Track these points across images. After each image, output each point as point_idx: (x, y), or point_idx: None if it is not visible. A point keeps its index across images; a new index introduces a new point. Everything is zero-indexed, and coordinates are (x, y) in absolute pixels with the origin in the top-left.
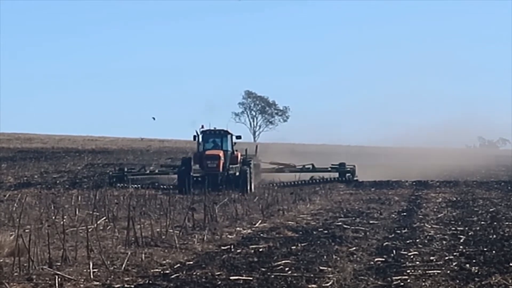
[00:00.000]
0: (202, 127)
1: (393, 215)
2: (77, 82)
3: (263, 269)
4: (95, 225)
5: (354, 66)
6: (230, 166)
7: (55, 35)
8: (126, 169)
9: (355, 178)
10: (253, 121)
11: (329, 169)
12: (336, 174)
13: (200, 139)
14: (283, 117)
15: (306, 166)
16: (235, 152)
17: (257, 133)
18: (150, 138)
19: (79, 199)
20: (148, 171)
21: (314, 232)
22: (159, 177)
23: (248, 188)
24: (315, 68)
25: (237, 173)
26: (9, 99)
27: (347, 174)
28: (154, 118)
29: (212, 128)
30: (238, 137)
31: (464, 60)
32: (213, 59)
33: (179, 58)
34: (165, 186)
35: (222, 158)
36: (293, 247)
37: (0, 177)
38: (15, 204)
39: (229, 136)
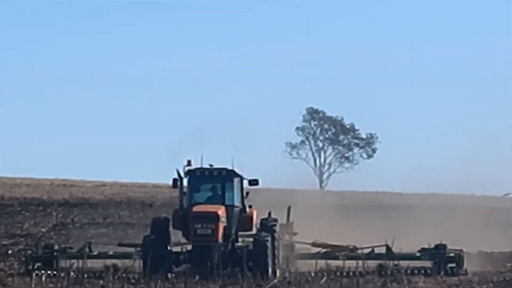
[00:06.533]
0: (189, 163)
1: None
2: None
3: None
4: None
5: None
6: (239, 233)
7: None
8: (56, 247)
9: (462, 271)
10: (320, 156)
11: (417, 255)
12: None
13: (185, 185)
14: (366, 150)
15: (377, 251)
16: (248, 210)
17: (325, 175)
18: (159, 183)
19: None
20: (96, 252)
21: None
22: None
23: (270, 270)
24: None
25: (250, 246)
26: None
27: (449, 265)
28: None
29: (207, 166)
30: (254, 183)
31: None
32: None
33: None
34: (123, 275)
35: (223, 218)
36: None
37: None
38: None
39: (235, 180)
